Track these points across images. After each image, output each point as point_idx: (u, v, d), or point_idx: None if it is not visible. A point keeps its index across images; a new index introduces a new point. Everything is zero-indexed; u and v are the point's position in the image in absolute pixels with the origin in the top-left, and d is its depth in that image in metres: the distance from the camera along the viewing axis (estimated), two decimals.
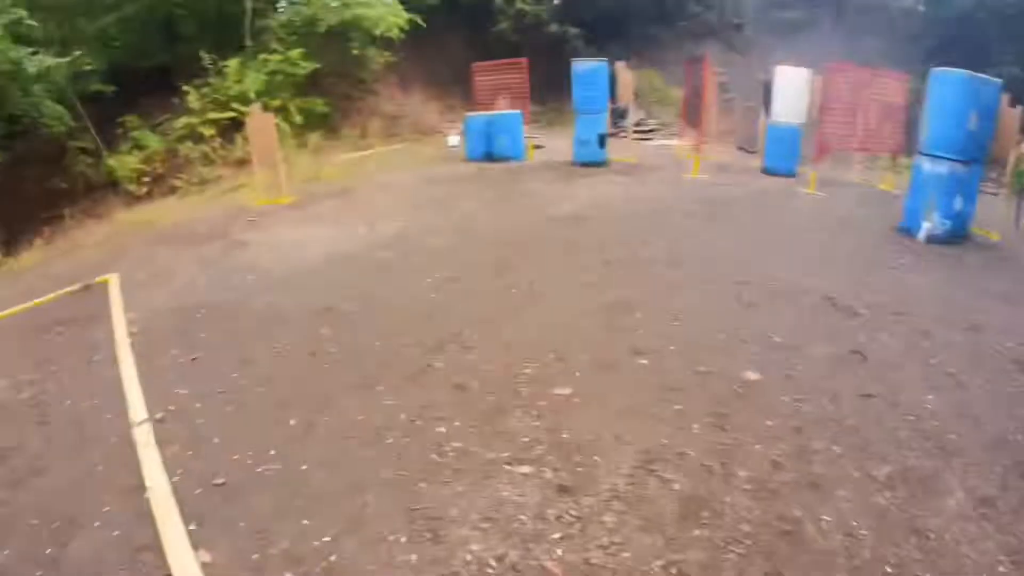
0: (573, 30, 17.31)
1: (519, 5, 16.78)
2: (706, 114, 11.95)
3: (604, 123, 11.82)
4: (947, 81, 7.71)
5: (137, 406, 4.15)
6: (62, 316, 6.47)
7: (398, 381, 4.27)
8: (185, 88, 11.81)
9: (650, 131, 16.36)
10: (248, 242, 7.93)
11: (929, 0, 18.67)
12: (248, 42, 12.56)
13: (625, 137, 15.76)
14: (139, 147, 11.19)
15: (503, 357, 4.54)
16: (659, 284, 6.00)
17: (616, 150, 12.51)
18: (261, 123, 9.44)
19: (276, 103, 12.16)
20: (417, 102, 17.22)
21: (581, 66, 11.61)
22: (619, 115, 16.82)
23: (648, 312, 5.29)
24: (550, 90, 15.81)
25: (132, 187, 10.60)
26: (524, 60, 12.70)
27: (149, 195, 10.69)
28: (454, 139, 14.41)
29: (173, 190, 10.84)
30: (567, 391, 4.02)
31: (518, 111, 12.31)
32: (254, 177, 10.95)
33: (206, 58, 12.04)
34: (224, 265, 7.20)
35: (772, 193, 10.33)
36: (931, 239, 7.59)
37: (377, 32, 13.00)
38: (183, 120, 11.50)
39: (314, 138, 12.81)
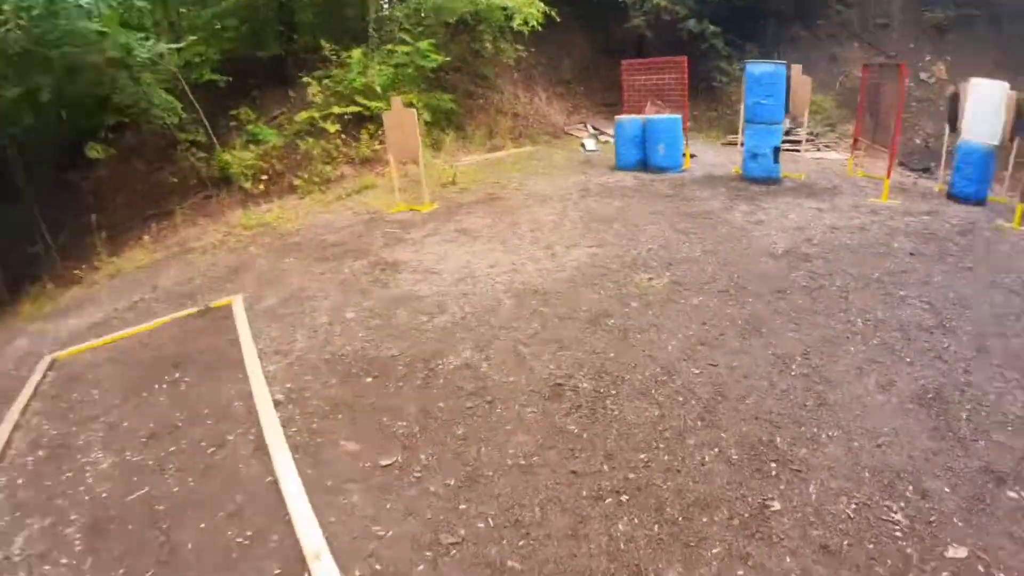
0: (712, 28, 15.42)
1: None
2: (898, 131, 9.91)
3: (780, 134, 9.96)
4: None
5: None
6: (177, 353, 5.10)
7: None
8: (306, 79, 10.58)
9: (798, 142, 14.34)
10: (399, 263, 6.53)
11: None
12: (371, 31, 11.18)
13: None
14: (255, 141, 9.97)
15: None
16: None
17: None
18: (401, 118, 8.02)
19: (405, 98, 10.80)
20: (541, 102, 15.67)
21: (758, 68, 9.78)
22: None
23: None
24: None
25: (248, 184, 9.35)
26: (683, 59, 10.92)
27: (266, 194, 9.44)
28: (590, 143, 12.76)
29: (292, 189, 9.56)
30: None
31: (678, 116, 10.56)
32: (385, 177, 9.60)
33: (327, 47, 10.77)
34: (377, 296, 5.79)
35: (981, 227, 7.80)
36: None
37: (514, 24, 11.44)
38: (303, 114, 10.23)
39: (448, 137, 11.37)
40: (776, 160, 9.95)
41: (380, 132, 10.64)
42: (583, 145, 12.70)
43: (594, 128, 14.75)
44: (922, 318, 4.97)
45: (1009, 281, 5.71)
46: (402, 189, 9.14)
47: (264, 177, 9.49)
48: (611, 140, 13.64)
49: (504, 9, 11.19)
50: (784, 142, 14.10)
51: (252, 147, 9.78)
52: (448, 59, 11.44)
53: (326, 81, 10.60)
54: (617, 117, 10.81)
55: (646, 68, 11.06)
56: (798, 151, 14.28)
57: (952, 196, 9.69)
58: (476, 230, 7.49)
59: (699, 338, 4.66)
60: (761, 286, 5.71)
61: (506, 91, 14.65)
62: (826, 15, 17.23)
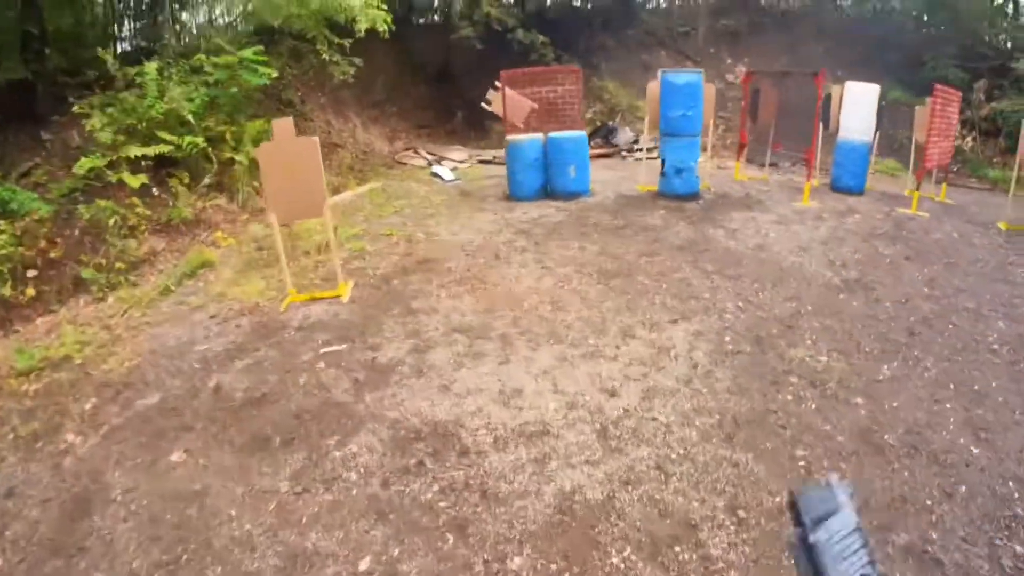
0: (542, 38, 14.07)
1: (486, 8, 13.15)
2: (816, 135, 9.31)
3: (699, 147, 8.74)
4: None
5: None
6: None
7: None
8: (80, 107, 6.76)
9: (642, 150, 13.46)
10: (439, 454, 3.59)
11: (854, 3, 17.77)
12: (167, 36, 7.66)
13: (625, 158, 12.83)
14: (3, 214, 6.05)
15: None
16: None
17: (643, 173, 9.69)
18: (292, 151, 5.05)
19: (226, 128, 7.55)
20: (358, 127, 12.88)
21: (680, 78, 8.41)
22: (606, 133, 13.93)
23: None
24: None
25: (5, 289, 5.52)
26: (576, 69, 9.19)
27: (39, 301, 5.66)
28: (445, 172, 10.49)
29: (80, 285, 5.89)
30: None
31: (583, 132, 8.79)
32: (226, 248, 6.55)
33: (108, 59, 7.09)
34: None
35: (899, 220, 8.52)
36: None
37: (360, 29, 8.71)
38: (85, 162, 6.35)
39: None
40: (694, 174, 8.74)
41: (198, 182, 7.35)
42: (437, 175, 10.45)
43: (431, 155, 12.45)
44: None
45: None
46: (261, 263, 6.17)
47: (31, 273, 5.73)
48: (459, 166, 11.53)
49: (347, 9, 8.41)
50: (631, 151, 13.26)
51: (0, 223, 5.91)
52: (276, 74, 8.32)
53: (110, 110, 6.91)
54: (509, 136, 8.70)
55: (531, 80, 9.09)
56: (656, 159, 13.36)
57: (836, 189, 10.03)
58: (466, 328, 4.86)
59: None
60: (934, 337, 4.75)
61: (316, 117, 11.68)
62: (634, 24, 16.93)
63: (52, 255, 5.96)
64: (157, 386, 4.29)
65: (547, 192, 8.63)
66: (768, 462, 3.32)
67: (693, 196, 8.68)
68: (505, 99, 8.73)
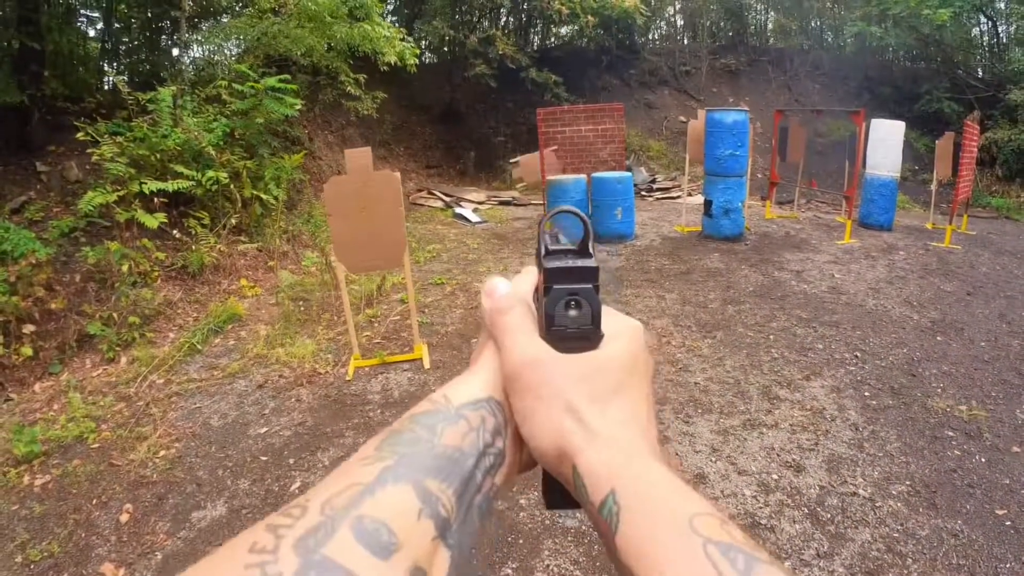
0: (555, 77, 13.52)
1: (501, 47, 12.51)
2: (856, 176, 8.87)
3: (745, 187, 8.13)
4: None
5: None
6: None
7: None
8: (87, 131, 5.64)
9: (660, 190, 12.92)
10: None
11: (846, 40, 17.95)
12: (184, 59, 6.69)
13: (644, 198, 12.23)
14: None
15: None
16: None
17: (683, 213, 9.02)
18: (367, 188, 4.13)
19: (244, 163, 6.58)
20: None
21: (729, 117, 7.78)
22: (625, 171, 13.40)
23: None
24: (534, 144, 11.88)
25: None
26: (619, 107, 8.51)
27: (36, 362, 4.53)
28: (470, 214, 9.68)
29: (86, 342, 4.80)
30: None
31: (627, 172, 8.09)
32: (252, 297, 5.64)
33: (122, 86, 6.08)
34: None
35: (940, 255, 8.20)
36: None
37: (388, 62, 7.86)
38: (94, 196, 5.20)
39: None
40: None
41: (217, 222, 6.36)
42: (462, 217, 9.65)
43: (447, 196, 11.64)
44: None
45: None
46: (302, 318, 5.20)
47: (28, 327, 4.63)
48: (479, 208, 10.75)
49: (376, 42, 7.55)
50: (656, 190, 12.71)
51: None
52: (299, 107, 7.38)
53: (119, 139, 5.82)
54: (553, 176, 7.94)
55: (573, 118, 8.36)
56: (676, 198, 12.82)
57: (866, 225, 9.50)
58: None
59: None
60: None
61: (325, 156, 10.80)
62: (636, 64, 16.60)
63: (52, 306, 4.88)
64: (216, 489, 3.25)
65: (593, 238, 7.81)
66: (977, 526, 3.04)
67: (739, 237, 8.05)
68: (543, 158, 7.96)
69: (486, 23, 15.36)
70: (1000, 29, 18.70)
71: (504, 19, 16.83)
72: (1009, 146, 13.85)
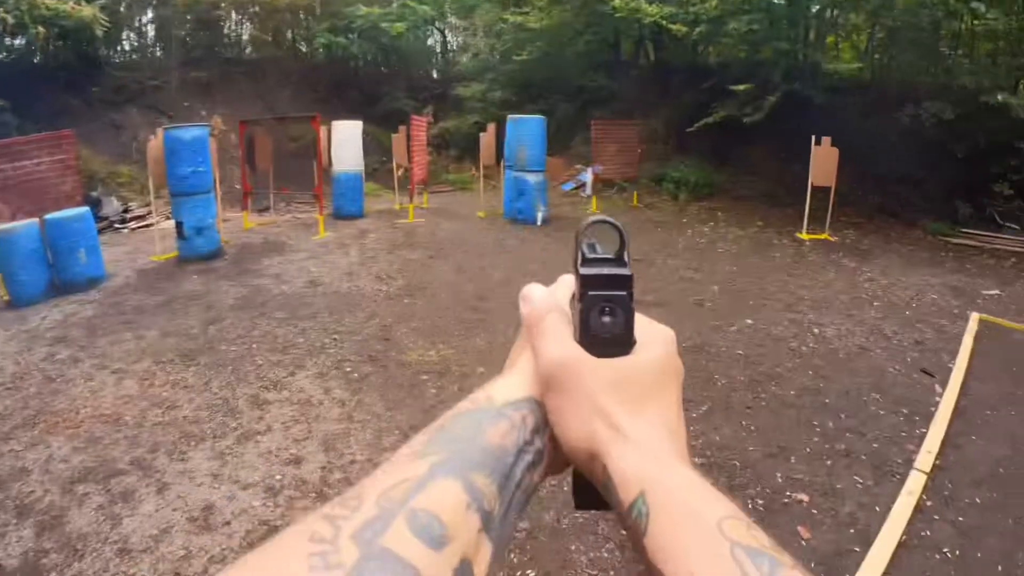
0: (0, 101, 11.02)
1: None
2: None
3: (214, 202, 8.16)
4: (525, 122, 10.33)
5: None
6: None
7: None
8: None
9: (136, 219, 11.74)
10: None
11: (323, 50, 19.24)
12: None
13: (119, 230, 10.95)
14: None
15: None
16: None
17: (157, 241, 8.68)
18: None
19: None
20: None
21: (181, 133, 7.74)
22: (92, 205, 11.73)
23: None
24: None
25: None
26: (68, 134, 7.32)
27: None
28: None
29: None
30: None
31: (83, 208, 7.11)
32: None
33: None
34: None
35: (407, 230, 9.79)
36: (544, 221, 10.05)
37: None
38: None
39: None
40: None
41: None
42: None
43: None
44: None
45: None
46: None
47: None
48: None
49: None
50: (131, 219, 11.52)
51: None
52: None
53: None
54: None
55: (20, 151, 6.82)
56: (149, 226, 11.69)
57: (338, 217, 10.83)
58: None
59: None
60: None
61: None
62: (101, 81, 14.59)
63: None
64: None
65: (57, 288, 6.76)
66: None
67: (217, 253, 8.08)
68: None
69: None
70: (449, 39, 22.90)
71: None
72: (458, 132, 17.07)
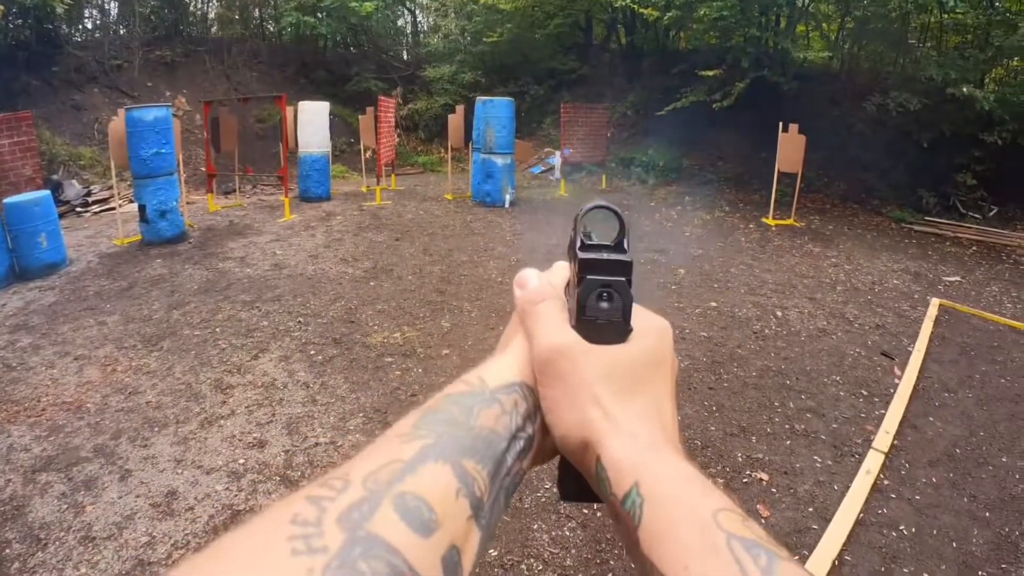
0: None
1: None
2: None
3: (177, 184, 8.03)
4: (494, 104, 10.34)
5: None
6: None
7: None
8: None
9: (98, 202, 11.47)
10: None
11: (280, 29, 18.71)
12: None
13: (81, 214, 10.74)
14: None
15: None
16: None
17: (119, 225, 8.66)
18: None
19: None
20: None
21: (143, 114, 7.51)
22: (53, 189, 11.42)
23: None
24: None
25: None
26: (27, 115, 7.05)
27: None
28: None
29: None
30: None
31: (44, 191, 6.92)
32: None
33: None
34: None
35: (373, 212, 9.79)
36: (512, 203, 10.12)
37: None
38: None
39: None
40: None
41: None
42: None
43: None
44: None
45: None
46: None
47: None
48: None
49: None
50: (93, 203, 11.27)
51: None
52: None
53: None
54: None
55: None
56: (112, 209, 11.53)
57: (306, 199, 10.77)
58: None
59: None
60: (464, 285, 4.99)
61: None
62: (60, 60, 14.10)
63: None
64: None
65: (16, 274, 6.63)
66: None
67: (181, 237, 7.97)
68: None
69: None
70: (419, 19, 22.51)
71: None
72: (427, 113, 16.92)
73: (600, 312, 0.43)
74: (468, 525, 0.35)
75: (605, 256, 0.44)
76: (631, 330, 0.44)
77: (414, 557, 0.30)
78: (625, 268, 0.43)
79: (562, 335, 0.43)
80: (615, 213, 0.46)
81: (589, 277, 0.43)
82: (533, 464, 0.44)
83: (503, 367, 0.44)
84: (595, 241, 0.46)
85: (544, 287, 0.46)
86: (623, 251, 0.45)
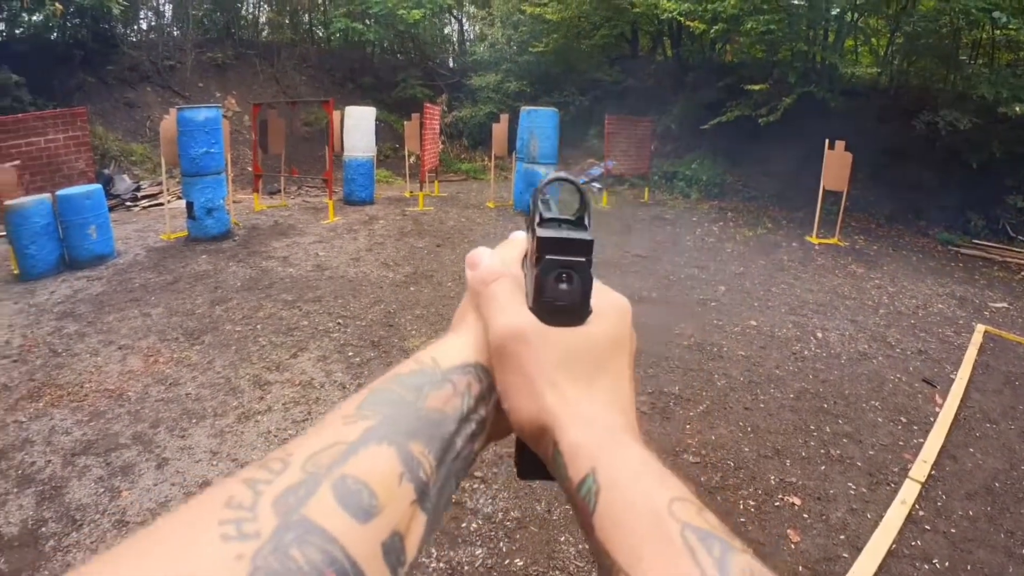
0: (15, 77, 11.07)
1: None
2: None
3: (225, 184, 8.20)
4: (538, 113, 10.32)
5: None
6: None
7: None
8: None
9: (147, 197, 11.84)
10: None
11: (339, 35, 19.18)
12: None
13: (130, 208, 11.07)
14: None
15: None
16: None
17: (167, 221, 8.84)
18: None
19: None
20: None
21: (194, 114, 7.67)
22: (105, 183, 11.81)
23: None
24: None
25: None
26: (82, 111, 7.43)
27: None
28: None
29: None
30: None
31: (95, 185, 7.17)
32: None
33: None
34: None
35: (416, 217, 9.72)
36: None
37: None
38: None
39: None
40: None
41: None
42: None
43: None
44: None
45: None
46: None
47: None
48: None
49: None
50: (143, 198, 11.63)
51: None
52: None
53: None
54: (11, 201, 6.53)
55: (34, 126, 6.91)
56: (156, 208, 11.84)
57: (350, 202, 10.83)
58: None
59: None
60: None
61: None
62: (116, 59, 14.63)
63: None
64: None
65: (66, 264, 6.83)
66: None
67: (226, 235, 8.10)
68: None
69: None
70: (466, 28, 22.84)
71: None
72: (472, 121, 17.06)
73: (559, 294, 0.41)
74: (412, 510, 0.34)
75: (565, 234, 0.41)
76: (591, 311, 0.42)
77: (351, 543, 0.29)
78: (586, 247, 0.41)
79: (517, 317, 0.41)
80: (576, 187, 0.44)
81: (548, 257, 0.41)
82: (488, 443, 0.43)
83: (458, 347, 0.43)
84: (554, 214, 0.43)
85: (495, 266, 0.44)
86: (584, 228, 0.42)
